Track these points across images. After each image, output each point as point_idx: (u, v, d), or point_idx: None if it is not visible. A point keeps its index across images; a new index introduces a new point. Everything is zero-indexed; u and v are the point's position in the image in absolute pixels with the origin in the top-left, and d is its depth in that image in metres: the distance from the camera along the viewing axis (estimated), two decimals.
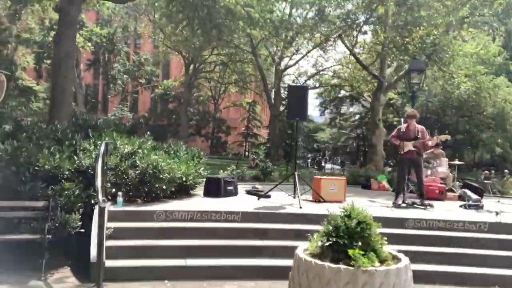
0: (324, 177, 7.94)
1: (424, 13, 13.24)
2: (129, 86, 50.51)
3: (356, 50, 20.30)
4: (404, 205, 7.22)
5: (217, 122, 46.78)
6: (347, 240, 3.77)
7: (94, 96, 48.72)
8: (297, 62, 32.35)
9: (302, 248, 4.06)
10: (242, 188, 8.62)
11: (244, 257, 5.09)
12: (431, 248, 5.43)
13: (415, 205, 7.18)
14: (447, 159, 10.06)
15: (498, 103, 20.58)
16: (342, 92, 36.90)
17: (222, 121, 47.17)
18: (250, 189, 8.52)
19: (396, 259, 3.93)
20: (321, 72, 31.55)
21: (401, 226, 5.90)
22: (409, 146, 7.48)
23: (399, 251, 5.49)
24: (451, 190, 9.44)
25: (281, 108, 33.01)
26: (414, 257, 5.33)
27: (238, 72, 36.47)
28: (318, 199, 7.29)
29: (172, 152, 7.69)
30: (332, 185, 7.37)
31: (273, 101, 31.45)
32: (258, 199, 7.27)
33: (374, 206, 7.16)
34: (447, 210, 7.10)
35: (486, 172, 18.28)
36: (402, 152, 7.55)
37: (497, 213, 6.04)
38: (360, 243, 3.74)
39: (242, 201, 7.12)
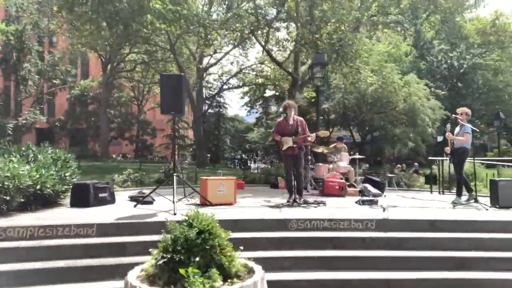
0: (211, 177, 7.23)
1: (327, 7, 13.10)
2: (44, 88, 46.91)
3: (272, 48, 20.06)
4: (295, 204, 6.72)
5: (141, 124, 44.76)
6: (184, 256, 3.07)
7: (5, 98, 44.41)
8: (218, 60, 31.64)
9: (140, 269, 3.32)
10: (131, 193, 7.76)
11: (92, 280, 4.22)
12: (312, 252, 4.90)
13: (306, 204, 6.71)
14: (347, 153, 9.83)
15: (409, 99, 21.29)
16: (269, 92, 36.90)
17: (146, 123, 45.23)
18: (136, 194, 7.62)
19: (251, 272, 3.30)
20: (243, 71, 31.07)
21: (284, 228, 5.33)
22: (289, 142, 7.03)
23: (279, 258, 4.98)
24: (352, 186, 9.20)
25: (205, 108, 32.21)
26: (295, 263, 4.83)
27: (160, 71, 35.14)
28: (205, 202, 6.57)
29: (31, 155, 6.56)
30: (220, 186, 6.69)
31: (195, 101, 30.51)
32: (135, 205, 6.40)
33: (263, 207, 6.59)
34: (339, 207, 6.70)
35: (399, 166, 18.75)
36: (283, 149, 7.09)
37: (384, 209, 5.68)
38: (199, 258, 3.05)
39: (112, 210, 6.20)
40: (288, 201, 6.82)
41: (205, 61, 31.44)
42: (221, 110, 38.00)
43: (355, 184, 9.27)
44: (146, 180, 10.84)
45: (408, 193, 10.10)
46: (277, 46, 20.32)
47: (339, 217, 5.59)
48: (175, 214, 5.48)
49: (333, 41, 14.30)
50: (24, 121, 41.26)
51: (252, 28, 16.76)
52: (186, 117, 48.28)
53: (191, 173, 12.29)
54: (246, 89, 36.61)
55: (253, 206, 6.66)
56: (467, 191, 7.75)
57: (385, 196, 8.96)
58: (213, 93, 34.92)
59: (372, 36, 28.73)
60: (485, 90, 29.19)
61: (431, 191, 10.44)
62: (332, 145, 10.48)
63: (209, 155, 38.46)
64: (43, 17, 36.50)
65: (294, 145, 7.08)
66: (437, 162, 11.32)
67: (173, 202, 5.75)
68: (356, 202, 7.27)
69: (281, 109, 7.16)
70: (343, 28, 14.71)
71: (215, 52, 29.03)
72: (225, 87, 33.97)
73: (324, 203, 6.82)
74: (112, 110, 43.16)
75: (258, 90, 35.91)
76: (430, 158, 12.73)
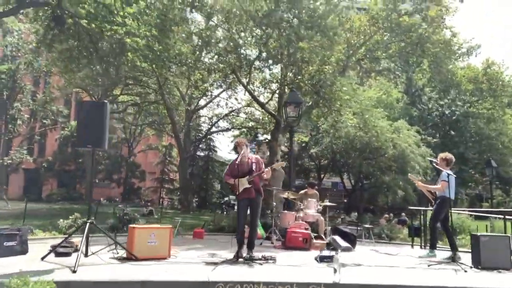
0: (141, 225, 6.20)
1: (304, 44, 12.54)
2: (36, 127, 46.38)
3: (256, 89, 19.55)
4: (239, 260, 5.66)
5: (130, 167, 43.81)
6: None
7: None
8: (208, 103, 31.24)
9: None
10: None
11: None
12: None
13: (251, 260, 5.66)
14: (315, 200, 8.80)
15: (398, 145, 20.53)
16: (262, 136, 36.26)
17: (135, 166, 44.27)
18: (65, 244, 6.54)
19: None
20: (233, 114, 30.57)
21: None
22: (244, 183, 6.10)
23: None
24: (320, 237, 8.13)
25: (192, 151, 31.45)
26: None
27: (152, 113, 34.76)
28: (130, 257, 5.52)
29: None
30: (150, 236, 5.64)
31: (182, 144, 29.79)
32: (43, 258, 5.34)
33: (197, 264, 5.50)
34: (291, 265, 5.63)
35: (386, 215, 17.66)
36: (237, 193, 6.13)
37: (335, 270, 4.63)
38: None
39: (9, 262, 5.14)
40: (233, 257, 5.77)
41: (200, 103, 31.09)
42: (210, 153, 37.13)
43: (323, 236, 8.20)
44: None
45: (385, 247, 9.00)
46: (261, 87, 19.77)
47: (280, 279, 4.54)
48: (74, 271, 4.44)
49: (314, 82, 13.66)
50: (10, 161, 40.37)
51: (234, 68, 16.23)
52: (176, 160, 47.50)
53: (166, 219, 11.07)
54: (237, 132, 36.04)
55: (188, 262, 5.59)
56: (451, 249, 6.76)
57: (354, 250, 7.92)
58: (202, 135, 34.25)
59: (364, 82, 28.56)
60: (477, 138, 28.50)
61: (412, 245, 9.35)
62: (302, 191, 9.48)
63: (196, 200, 37.26)
64: (37, 57, 36.41)
65: (250, 185, 6.13)
66: (422, 213, 10.30)
67: (78, 257, 4.70)
68: (316, 259, 6.20)
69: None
70: (326, 69, 14.11)
71: (204, 94, 28.64)
72: (214, 129, 33.37)
73: (274, 260, 5.77)
74: (102, 152, 42.38)
75: (249, 134, 35.24)
76: (410, 207, 11.72)
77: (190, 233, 10.10)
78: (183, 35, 14.82)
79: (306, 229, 7.81)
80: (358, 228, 10.63)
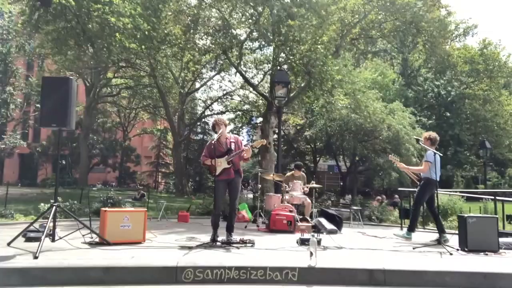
0: (112, 209, 5.96)
1: (294, 22, 12.13)
2: (30, 111, 45.90)
3: (248, 70, 19.18)
4: (215, 244, 5.45)
5: (125, 151, 43.51)
6: None
7: None
8: (201, 86, 30.79)
9: None
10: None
11: None
12: None
13: (228, 244, 5.45)
14: (300, 181, 8.56)
15: (393, 127, 20.29)
16: (259, 120, 35.89)
17: (130, 150, 43.96)
18: (38, 228, 6.29)
19: None
20: (227, 97, 30.16)
21: (174, 280, 4.06)
22: (223, 163, 5.85)
23: None
24: (305, 220, 7.92)
25: (187, 134, 31.16)
26: None
27: (146, 96, 34.26)
28: (102, 241, 5.29)
29: None
30: (123, 219, 5.41)
31: (176, 128, 29.44)
32: (9, 243, 5.11)
33: (171, 249, 5.27)
34: (269, 249, 5.42)
35: (379, 197, 17.48)
36: (216, 173, 5.88)
37: (311, 254, 4.41)
38: None
39: None
40: (209, 241, 5.56)
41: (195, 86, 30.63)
42: (205, 136, 36.85)
43: (308, 218, 7.99)
44: (80, 210, 9.51)
45: (373, 230, 8.81)
46: (254, 68, 19.41)
47: (253, 264, 4.32)
48: (36, 257, 4.21)
49: (305, 62, 13.30)
50: (3, 146, 40.06)
51: (224, 48, 15.83)
52: (171, 144, 47.23)
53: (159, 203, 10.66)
54: (232, 115, 35.69)
55: (162, 246, 5.37)
56: (438, 231, 6.57)
57: (341, 233, 7.73)
58: (196, 119, 33.88)
59: (360, 64, 28.14)
60: (473, 120, 28.27)
61: (401, 227, 9.17)
62: (289, 173, 9.25)
63: (192, 184, 37.06)
64: (29, 40, 35.80)
65: (229, 165, 5.89)
66: (411, 195, 10.11)
67: (40, 242, 4.47)
68: (297, 242, 5.99)
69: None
70: (318, 48, 13.72)
71: (197, 77, 28.21)
72: (209, 113, 33.00)
73: (252, 243, 5.55)
74: (96, 136, 42.03)
75: (244, 117, 34.87)
76: (399, 189, 11.54)
77: (177, 216, 9.90)
78: (169, 13, 14.30)
79: (290, 211, 7.60)
80: (349, 211, 10.44)
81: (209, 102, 32.72)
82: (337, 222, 7.94)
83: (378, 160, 22.28)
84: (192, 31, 16.04)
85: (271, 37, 14.92)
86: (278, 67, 15.67)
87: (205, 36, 15.52)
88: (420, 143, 6.91)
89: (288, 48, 14.55)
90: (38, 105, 43.68)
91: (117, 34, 16.09)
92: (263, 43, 16.16)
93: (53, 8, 15.39)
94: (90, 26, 15.32)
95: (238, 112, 33.92)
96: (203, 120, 35.21)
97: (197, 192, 32.99)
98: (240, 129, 37.28)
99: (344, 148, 25.72)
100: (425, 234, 7.88)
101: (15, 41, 35.22)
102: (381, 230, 8.98)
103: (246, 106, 32.12)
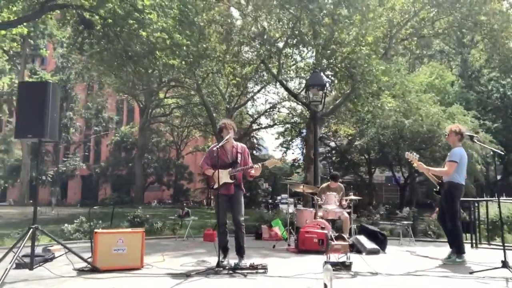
0: (107, 230, 5.28)
1: (330, 21, 11.17)
2: (90, 134, 48.04)
3: (288, 79, 18.35)
4: (219, 270, 4.60)
5: (178, 169, 44.07)
6: None
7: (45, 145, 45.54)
8: (248, 100, 30.34)
9: None
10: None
11: None
12: None
13: (235, 270, 4.57)
14: (335, 193, 7.47)
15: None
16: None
17: (184, 168, 44.45)
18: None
19: None
20: (272, 109, 29.45)
21: None
22: (224, 177, 5.03)
23: None
24: (341, 238, 6.83)
25: None
26: None
27: (196, 114, 34.50)
28: (92, 267, 4.63)
29: None
30: (117, 242, 4.73)
31: None
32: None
33: (172, 274, 4.50)
34: (284, 276, 4.47)
35: (437, 209, 15.72)
36: (215, 187, 5.08)
37: (325, 286, 3.42)
38: None
39: None
40: (214, 266, 4.73)
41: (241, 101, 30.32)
42: (254, 151, 36.27)
43: (346, 236, 6.89)
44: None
45: (426, 248, 7.52)
46: (296, 77, 18.53)
47: None
48: None
49: (346, 64, 12.26)
50: (64, 168, 42.00)
51: (263, 58, 15.17)
52: None
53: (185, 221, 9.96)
54: (281, 129, 34.93)
55: (159, 273, 4.60)
56: (452, 247, 5.61)
57: (385, 253, 6.59)
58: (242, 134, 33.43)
59: (415, 68, 26.40)
60: None
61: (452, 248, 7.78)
62: (324, 185, 8.21)
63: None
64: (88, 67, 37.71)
65: (232, 181, 5.08)
66: (474, 204, 8.72)
67: (6, 271, 3.86)
68: (327, 263, 4.97)
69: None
70: (362, 50, 12.58)
71: (242, 91, 27.81)
72: (256, 127, 32.44)
73: (264, 269, 4.64)
74: (151, 155, 43.00)
75: (294, 130, 33.95)
76: (463, 199, 10.03)
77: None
78: (201, 23, 13.88)
79: (322, 228, 6.57)
80: (398, 225, 9.17)
81: (255, 116, 32.22)
82: (380, 240, 6.80)
83: None
84: (228, 42, 15.50)
85: (311, 41, 14.04)
86: (322, 73, 14.73)
87: (241, 45, 14.88)
88: (475, 140, 5.68)
89: (329, 52, 13.59)
90: (96, 128, 45.79)
91: (157, 52, 16.03)
92: (303, 49, 15.32)
93: (96, 29, 15.66)
94: (131, 44, 15.36)
95: (287, 125, 33.12)
96: (252, 135, 34.74)
97: (247, 208, 32.33)
98: (290, 143, 36.42)
99: (400, 158, 23.90)
100: (489, 253, 6.52)
101: (74, 68, 37.09)
102: (435, 247, 7.66)
103: (295, 119, 31.24)
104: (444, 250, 7.19)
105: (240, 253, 5.04)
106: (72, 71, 37.77)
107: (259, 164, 5.09)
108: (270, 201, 34.58)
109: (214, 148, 5.14)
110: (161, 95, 35.08)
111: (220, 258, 4.74)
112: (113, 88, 30.47)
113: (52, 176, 40.45)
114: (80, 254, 4.74)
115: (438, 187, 5.78)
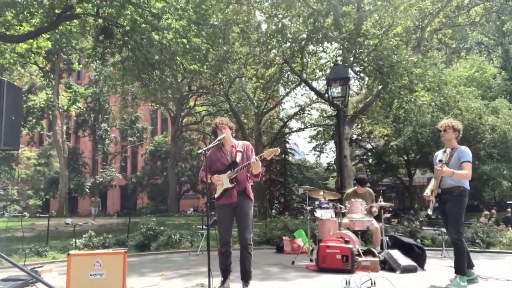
0: (83, 252, 4.57)
1: (349, 9, 10.20)
2: (125, 144, 48.63)
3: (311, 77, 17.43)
4: None
5: None
6: None
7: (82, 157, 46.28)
8: (277, 104, 29.55)
9: None
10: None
11: None
12: None
13: None
14: (362, 200, 6.46)
15: (498, 128, 17.06)
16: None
17: None
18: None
19: None
20: (301, 112, 28.50)
21: None
22: (224, 182, 4.24)
23: None
24: (370, 253, 5.86)
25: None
26: None
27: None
28: None
29: None
30: (94, 266, 4.02)
31: (254, 149, 28.41)
32: None
33: None
34: None
35: (487, 213, 14.28)
36: (215, 196, 4.30)
37: None
38: None
39: None
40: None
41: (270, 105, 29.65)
42: (286, 156, 35.32)
43: (375, 250, 5.90)
44: (115, 243, 8.46)
45: (475, 261, 6.39)
46: (322, 76, 17.55)
47: None
48: None
49: (372, 57, 11.22)
50: (101, 179, 42.66)
51: (285, 57, 14.37)
52: None
53: (199, 233, 9.20)
54: (313, 132, 33.96)
55: None
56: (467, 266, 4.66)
57: (423, 270, 5.58)
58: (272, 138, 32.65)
59: (451, 62, 24.84)
60: None
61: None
62: (349, 190, 7.23)
63: (277, 206, 35.52)
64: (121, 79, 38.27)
65: (232, 185, 4.27)
66: None
67: None
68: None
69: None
70: (392, 41, 11.50)
71: (270, 95, 27.07)
72: (287, 131, 31.57)
73: None
74: (184, 163, 42.97)
75: (326, 132, 32.82)
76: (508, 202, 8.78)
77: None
78: (220, 25, 13.26)
79: (346, 241, 5.62)
80: (438, 232, 8.06)
81: (286, 119, 31.41)
82: (417, 254, 5.77)
83: (483, 168, 18.75)
84: (248, 43, 14.81)
85: (334, 35, 13.08)
86: (350, 69, 13.73)
87: (262, 45, 14.12)
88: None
89: (355, 46, 12.59)
90: (131, 139, 46.28)
91: (177, 57, 15.60)
92: (327, 44, 14.39)
93: (117, 38, 15.41)
94: (152, 52, 15.02)
95: (319, 128, 32.08)
96: (283, 139, 33.91)
97: (282, 215, 31.44)
98: (323, 146, 35.23)
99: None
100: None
101: (107, 82, 37.64)
102: (486, 259, 6.54)
103: (327, 121, 30.20)
104: (495, 263, 6.12)
105: (245, 279, 4.20)
106: (105, 83, 38.31)
107: (256, 157, 4.20)
108: (309, 207, 33.49)
109: (211, 151, 4.37)
110: (191, 103, 35.01)
111: (213, 285, 3.94)
112: (142, 97, 30.50)
113: (90, 187, 41.16)
114: (50, 283, 4.06)
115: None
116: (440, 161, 4.62)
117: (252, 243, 4.26)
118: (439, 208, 4.71)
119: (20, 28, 14.42)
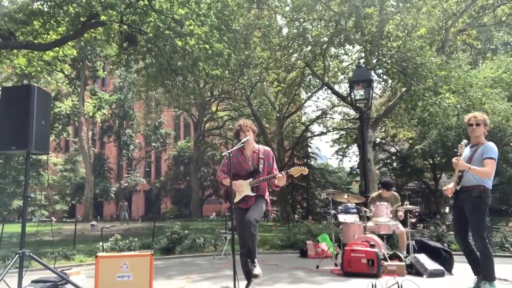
0: (111, 254, 4.64)
1: (371, 10, 10.11)
2: (149, 150, 49.33)
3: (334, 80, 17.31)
4: None
5: None
6: None
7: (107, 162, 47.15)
8: (299, 107, 29.47)
9: None
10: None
11: None
12: None
13: None
14: (388, 204, 6.35)
15: None
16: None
17: None
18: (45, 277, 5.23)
19: None
20: (324, 116, 28.29)
21: None
22: (245, 189, 4.24)
23: None
24: (396, 257, 5.76)
25: (285, 160, 29.84)
26: None
27: None
28: None
29: None
30: (121, 267, 4.10)
31: (276, 154, 28.38)
32: None
33: None
34: None
35: None
36: (235, 200, 4.30)
37: None
38: None
39: None
40: None
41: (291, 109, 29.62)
42: (308, 160, 35.11)
43: (402, 255, 5.80)
44: (140, 247, 8.58)
45: (505, 265, 6.21)
46: (345, 79, 17.43)
47: None
48: None
49: (396, 59, 11.07)
50: (126, 184, 43.35)
51: (307, 60, 14.34)
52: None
53: (222, 237, 9.30)
54: (336, 136, 33.64)
55: None
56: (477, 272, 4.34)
57: (451, 274, 5.45)
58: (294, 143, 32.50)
59: (477, 64, 24.27)
60: None
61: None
62: (374, 194, 7.14)
63: (301, 211, 35.34)
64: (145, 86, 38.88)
65: (253, 194, 4.28)
66: None
67: None
68: None
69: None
70: (415, 43, 11.32)
71: (291, 99, 27.03)
72: (309, 135, 31.41)
73: None
74: (207, 168, 43.25)
75: (349, 136, 32.51)
76: None
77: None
78: (237, 27, 13.34)
79: (372, 245, 5.55)
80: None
81: (308, 123, 31.27)
82: (444, 258, 5.65)
83: (511, 171, 18.23)
84: (270, 47, 14.84)
85: (357, 38, 12.97)
86: (373, 71, 13.58)
87: (283, 49, 14.14)
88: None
89: (378, 48, 12.46)
90: (154, 144, 46.93)
91: (200, 63, 15.74)
92: (349, 47, 14.29)
93: (140, 45, 15.69)
94: (175, 58, 15.21)
95: (342, 132, 31.79)
96: (305, 143, 33.76)
97: (306, 219, 31.25)
98: (346, 150, 34.88)
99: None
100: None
101: (132, 88, 38.32)
102: None
103: (350, 125, 29.94)
104: None
105: (251, 257, 4.16)
106: (129, 90, 38.99)
107: (283, 172, 4.21)
108: (332, 211, 33.16)
109: (232, 153, 4.37)
110: (213, 108, 35.26)
111: (238, 286, 3.94)
112: (165, 103, 30.90)
113: (115, 192, 41.91)
114: (79, 285, 4.15)
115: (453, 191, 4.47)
116: (456, 153, 4.30)
117: (256, 224, 4.15)
118: (454, 206, 4.41)
119: (47, 37, 14.85)
